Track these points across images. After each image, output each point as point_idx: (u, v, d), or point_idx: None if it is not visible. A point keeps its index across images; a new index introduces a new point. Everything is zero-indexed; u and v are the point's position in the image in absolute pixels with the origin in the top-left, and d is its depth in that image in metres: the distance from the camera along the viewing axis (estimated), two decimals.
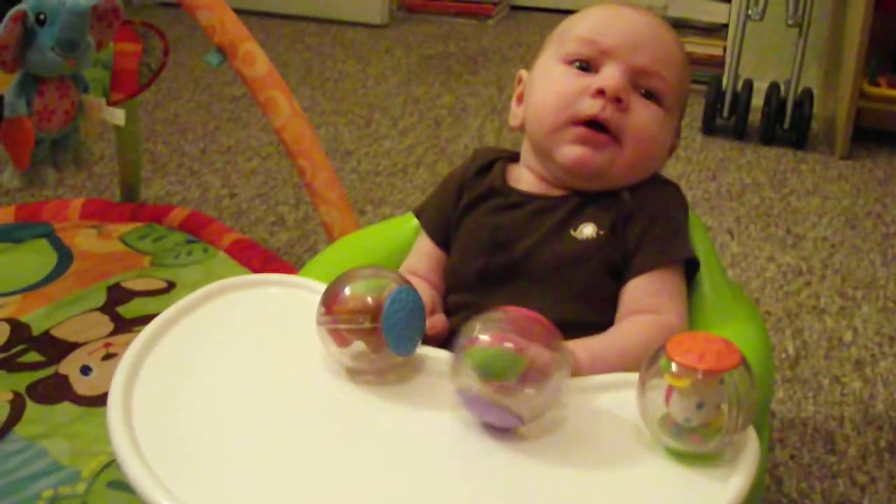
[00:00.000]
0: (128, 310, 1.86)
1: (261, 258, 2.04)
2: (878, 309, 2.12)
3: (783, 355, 1.92)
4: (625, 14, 1.21)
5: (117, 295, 1.92)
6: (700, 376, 0.85)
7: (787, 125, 3.04)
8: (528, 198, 1.20)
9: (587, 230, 1.15)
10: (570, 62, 1.19)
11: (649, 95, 1.18)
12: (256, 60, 1.74)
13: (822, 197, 2.69)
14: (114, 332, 1.79)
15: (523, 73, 1.29)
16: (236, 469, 0.88)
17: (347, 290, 0.96)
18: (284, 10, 4.30)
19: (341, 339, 0.96)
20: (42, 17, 1.56)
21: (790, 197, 2.68)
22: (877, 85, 2.97)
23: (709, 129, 3.12)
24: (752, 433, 0.90)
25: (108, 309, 1.88)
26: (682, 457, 0.89)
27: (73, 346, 1.76)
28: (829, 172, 2.86)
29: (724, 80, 3.12)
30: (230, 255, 2.07)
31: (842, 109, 2.94)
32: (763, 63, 3.26)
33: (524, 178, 1.23)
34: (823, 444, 1.68)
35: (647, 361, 0.89)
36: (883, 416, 1.76)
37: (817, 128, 3.17)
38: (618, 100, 1.15)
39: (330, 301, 0.97)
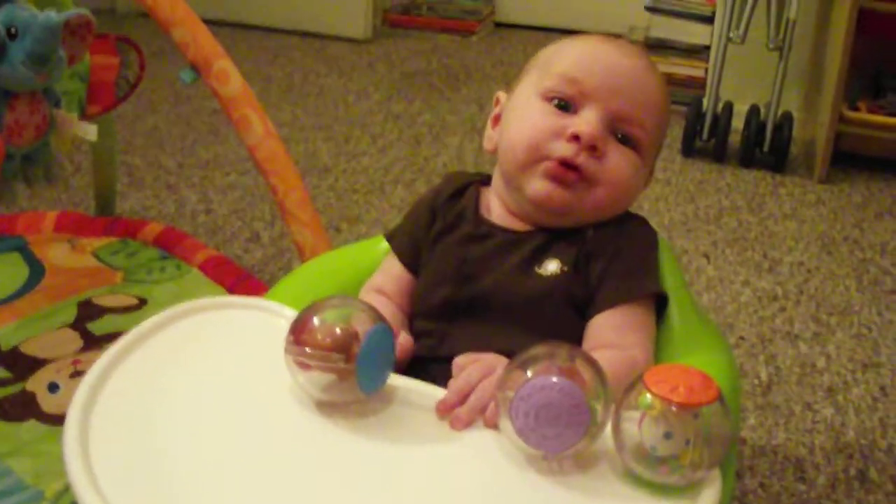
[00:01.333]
0: (98, 326, 1.85)
1: (234, 276, 2.03)
2: (852, 335, 2.12)
3: (755, 381, 1.92)
4: (611, 53, 1.19)
5: (88, 311, 1.91)
6: (673, 408, 0.85)
7: (766, 148, 3.04)
8: (496, 230, 1.20)
9: (551, 266, 1.15)
10: (549, 99, 1.18)
11: (626, 140, 1.17)
12: (230, 78, 1.73)
13: (800, 221, 2.69)
14: (83, 349, 1.78)
15: (501, 95, 1.28)
16: (196, 498, 0.87)
17: (316, 320, 0.95)
18: (268, 23, 4.29)
19: (308, 367, 0.95)
20: (13, 31, 1.55)
21: (767, 221, 2.68)
22: (856, 109, 2.98)
23: (688, 151, 3.12)
24: (716, 472, 0.89)
25: (78, 325, 1.86)
26: (649, 488, 0.88)
27: (42, 363, 1.75)
28: (807, 196, 2.87)
29: (705, 102, 3.12)
30: (203, 272, 2.06)
31: (821, 133, 2.94)
32: (743, 86, 3.26)
33: (494, 207, 1.23)
34: (793, 472, 1.67)
35: (624, 391, 0.89)
36: (854, 444, 1.76)
37: (797, 151, 3.18)
38: (593, 147, 1.14)
39: (299, 330, 0.95)
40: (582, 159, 1.14)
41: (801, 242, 2.56)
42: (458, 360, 1.02)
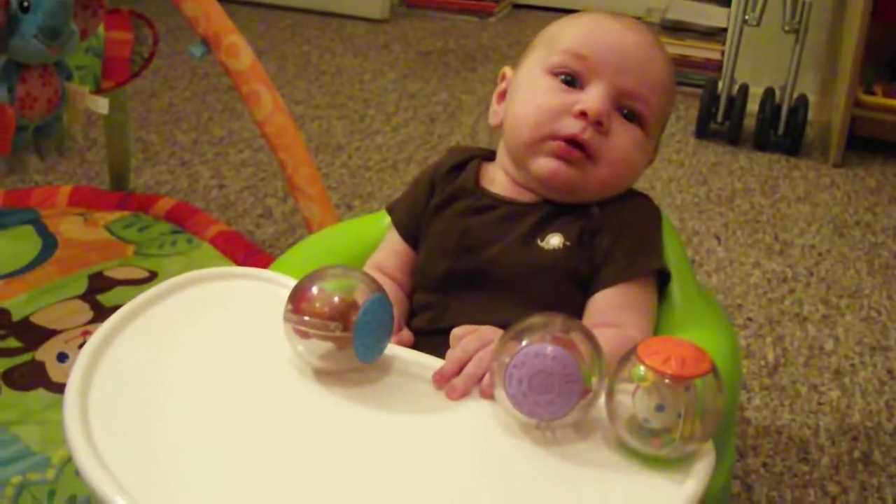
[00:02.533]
0: (108, 298, 1.86)
1: (244, 250, 2.04)
2: (861, 318, 2.12)
3: (762, 362, 1.92)
4: (617, 30, 1.19)
5: (99, 283, 1.92)
6: (666, 380, 0.85)
7: (781, 131, 3.03)
8: (499, 201, 1.20)
9: (554, 240, 1.15)
10: (556, 74, 1.18)
11: (631, 117, 1.17)
12: (240, 53, 1.74)
13: (813, 204, 2.69)
14: (93, 321, 1.80)
15: (507, 70, 1.28)
16: (194, 467, 0.87)
17: (315, 289, 0.95)
18: (286, 2, 4.29)
19: (307, 336, 0.96)
20: (25, 4, 1.55)
21: (780, 203, 2.68)
22: (872, 93, 2.96)
23: (702, 133, 3.12)
24: (709, 444, 0.90)
25: (88, 297, 1.88)
26: (642, 459, 0.89)
27: (52, 333, 1.76)
28: (821, 180, 2.86)
29: (720, 85, 3.11)
30: (214, 246, 2.07)
31: (836, 117, 2.93)
32: (759, 68, 3.25)
33: (498, 179, 1.23)
34: (797, 452, 1.68)
35: (617, 363, 0.89)
36: (859, 426, 1.76)
37: (812, 135, 3.17)
38: (599, 123, 1.14)
39: (298, 298, 0.96)
40: (588, 135, 1.14)
41: (814, 225, 2.56)
42: (456, 331, 1.03)
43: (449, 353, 1.00)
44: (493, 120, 1.28)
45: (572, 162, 1.15)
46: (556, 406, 0.88)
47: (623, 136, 1.16)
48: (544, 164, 1.16)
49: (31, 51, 1.58)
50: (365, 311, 0.94)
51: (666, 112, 1.23)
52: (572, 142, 1.15)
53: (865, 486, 1.62)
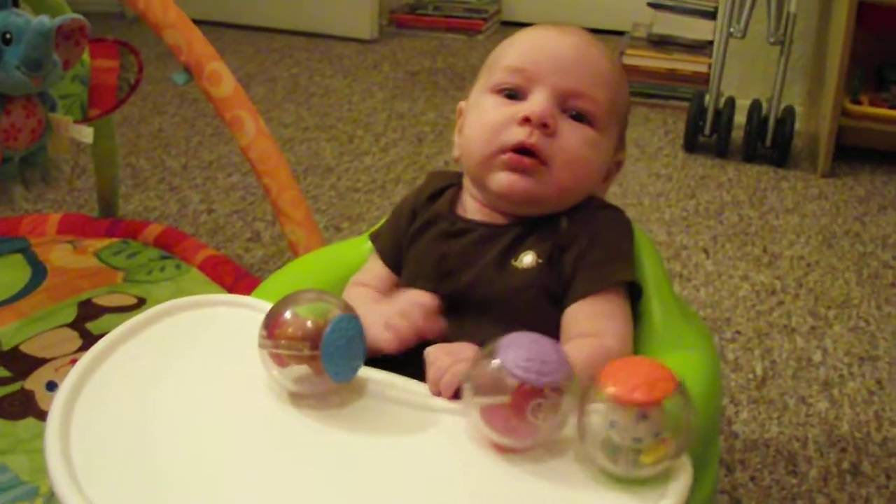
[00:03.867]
0: (97, 326, 1.87)
1: (233, 275, 2.05)
2: (850, 329, 2.13)
3: (750, 375, 1.92)
4: (551, 37, 1.22)
5: (88, 311, 1.93)
6: (634, 407, 0.86)
7: (768, 143, 3.04)
8: (472, 225, 1.21)
9: (527, 259, 1.16)
10: (499, 91, 1.20)
11: (579, 117, 1.18)
12: (222, 80, 1.75)
13: (801, 215, 2.70)
14: (82, 349, 1.80)
15: (462, 104, 1.30)
16: (177, 495, 0.88)
17: (289, 314, 0.96)
18: (275, 24, 4.31)
19: (283, 362, 0.97)
20: (8, 36, 1.57)
21: (769, 215, 2.69)
22: (859, 103, 2.98)
23: (690, 146, 3.13)
24: (686, 464, 0.90)
25: (77, 325, 1.88)
26: (616, 481, 0.89)
27: (41, 362, 1.77)
28: (809, 190, 2.87)
29: (707, 98, 3.13)
30: (203, 271, 2.08)
31: (823, 127, 2.95)
32: (746, 80, 3.27)
33: (469, 205, 1.24)
34: (785, 465, 1.68)
35: (586, 387, 0.90)
36: (847, 437, 1.76)
37: (800, 146, 3.18)
38: (544, 125, 1.15)
39: (272, 324, 0.97)
40: (535, 139, 1.15)
41: (802, 236, 2.57)
42: (428, 350, 1.04)
43: (427, 376, 1.02)
44: (455, 153, 1.30)
45: (526, 171, 1.16)
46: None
47: (572, 136, 1.17)
48: (500, 179, 1.18)
49: (13, 82, 1.59)
50: (332, 329, 0.94)
51: (617, 106, 1.24)
52: (522, 150, 1.16)
53: (854, 497, 1.62)
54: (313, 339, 0.94)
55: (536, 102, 1.16)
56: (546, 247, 1.16)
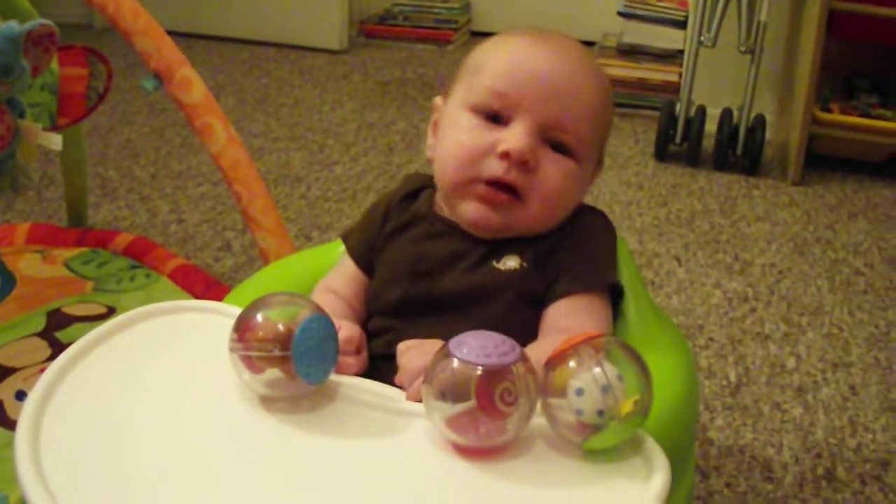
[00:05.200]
0: (66, 335, 1.85)
1: (203, 283, 2.03)
2: (823, 335, 2.13)
3: (724, 382, 1.92)
4: (539, 59, 1.15)
5: (57, 320, 1.91)
6: (571, 362, 0.88)
7: (739, 151, 3.05)
8: (453, 227, 1.19)
9: (511, 262, 1.14)
10: (478, 112, 1.16)
11: (560, 148, 1.14)
12: (193, 87, 1.74)
13: (773, 223, 2.70)
14: (51, 358, 1.77)
15: (438, 100, 1.26)
16: (146, 500, 0.87)
17: (259, 317, 0.95)
18: (244, 34, 4.29)
19: (254, 366, 0.95)
20: None
21: (740, 223, 2.69)
22: (829, 111, 2.99)
23: (661, 155, 3.13)
24: (664, 459, 0.90)
25: (46, 334, 1.86)
26: (593, 478, 0.89)
27: (10, 371, 1.75)
28: (780, 198, 2.88)
29: (678, 107, 3.13)
30: (173, 280, 2.06)
31: (794, 136, 2.96)
32: (716, 89, 3.28)
33: (446, 207, 1.23)
34: (760, 471, 1.68)
35: (544, 375, 0.90)
36: (822, 443, 1.76)
37: (770, 154, 3.19)
38: (523, 162, 1.12)
39: (242, 328, 0.96)
40: (513, 176, 1.12)
41: (774, 244, 2.57)
42: (400, 346, 1.03)
43: (397, 376, 1.01)
44: (428, 153, 1.25)
45: (498, 206, 1.14)
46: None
47: (552, 170, 1.14)
48: (470, 209, 1.15)
49: None
50: (303, 329, 0.93)
51: (600, 136, 1.20)
52: (498, 184, 1.13)
53: (829, 502, 1.62)
54: (284, 341, 0.93)
55: (517, 136, 1.11)
56: (530, 252, 1.15)
